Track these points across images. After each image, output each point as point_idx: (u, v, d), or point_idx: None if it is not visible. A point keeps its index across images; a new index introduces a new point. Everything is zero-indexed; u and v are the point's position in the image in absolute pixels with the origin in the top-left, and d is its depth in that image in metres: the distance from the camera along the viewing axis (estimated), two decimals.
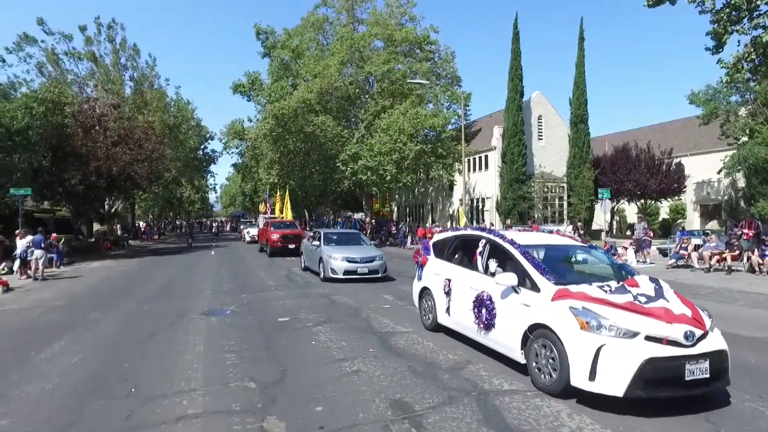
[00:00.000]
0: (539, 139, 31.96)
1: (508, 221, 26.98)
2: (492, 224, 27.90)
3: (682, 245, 16.62)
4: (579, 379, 4.56)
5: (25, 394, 5.13)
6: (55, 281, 15.30)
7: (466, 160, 29.96)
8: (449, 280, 6.94)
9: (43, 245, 15.84)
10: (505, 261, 6.10)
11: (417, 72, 32.81)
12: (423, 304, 7.88)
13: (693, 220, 33.58)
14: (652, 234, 19.76)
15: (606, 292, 5.03)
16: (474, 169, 34.49)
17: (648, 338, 4.48)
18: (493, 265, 6.22)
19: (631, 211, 34.42)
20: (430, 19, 67.99)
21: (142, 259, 23.14)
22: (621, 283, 5.26)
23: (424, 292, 7.77)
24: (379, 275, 13.53)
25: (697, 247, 15.95)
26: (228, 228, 66.44)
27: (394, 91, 32.14)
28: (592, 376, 4.47)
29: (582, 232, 25.68)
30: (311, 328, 8.01)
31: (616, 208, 32.92)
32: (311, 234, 17.49)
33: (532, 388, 5.14)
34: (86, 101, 28.11)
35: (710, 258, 14.79)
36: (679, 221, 33.32)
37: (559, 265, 6.17)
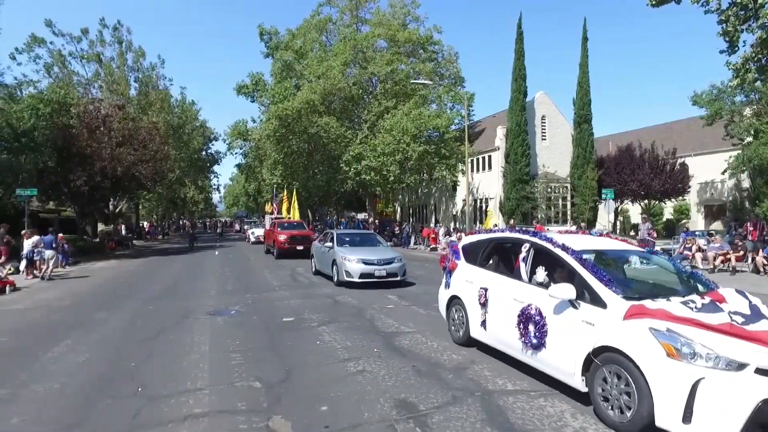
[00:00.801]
0: (543, 139, 31.91)
1: (512, 221, 26.94)
2: (495, 224, 27.88)
3: (686, 246, 16.60)
4: (667, 419, 3.77)
5: (34, 393, 5.19)
6: (61, 281, 15.40)
7: (469, 160, 29.95)
8: (485, 290, 6.14)
9: (54, 245, 16.20)
10: (555, 269, 5.47)
11: (420, 72, 32.82)
12: (452, 314, 7.04)
13: (697, 220, 33.48)
14: (656, 234, 19.73)
15: (692, 309, 4.16)
16: (477, 170, 34.47)
17: (759, 371, 3.63)
18: (540, 273, 5.50)
19: (634, 211, 34.34)
20: (433, 20, 67.83)
21: (147, 259, 23.24)
22: (707, 298, 4.42)
23: (454, 301, 6.98)
24: (398, 278, 12.64)
25: (700, 249, 15.93)
26: (234, 229, 65.37)
27: (398, 92, 32.17)
28: (687, 417, 3.68)
29: (587, 233, 25.63)
30: (316, 328, 8.05)
31: (619, 208, 32.85)
32: (323, 235, 16.53)
33: (535, 387, 5.15)
34: (91, 102, 28.30)
35: (714, 259, 14.76)
36: (683, 222, 33.22)
37: (618, 275, 5.46)
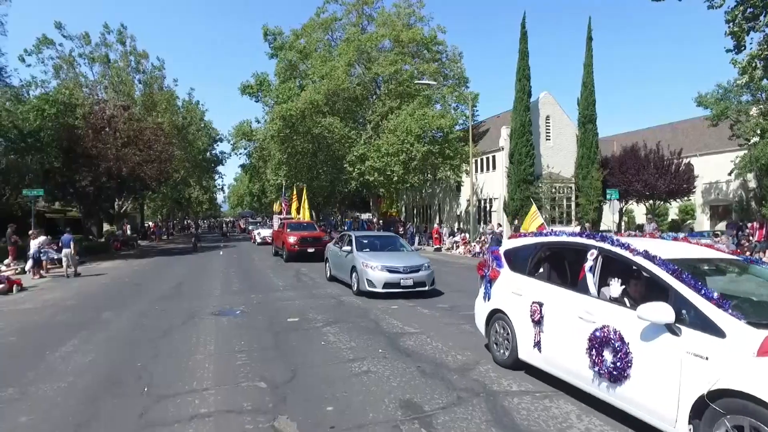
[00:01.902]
0: (547, 139, 31.84)
1: (516, 222, 26.90)
2: (500, 224, 27.84)
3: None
4: None
5: (42, 391, 5.24)
6: (67, 281, 15.50)
7: (473, 160, 29.91)
8: (539, 305, 5.23)
9: (72, 244, 16.53)
10: (630, 281, 4.67)
11: (424, 73, 32.81)
12: (493, 331, 6.13)
13: (702, 221, 33.30)
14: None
15: None
16: (481, 170, 34.42)
17: None
18: (615, 287, 4.64)
19: (639, 211, 34.19)
20: (437, 20, 67.80)
21: (152, 260, 23.35)
22: None
23: (496, 316, 6.08)
24: (426, 288, 11.21)
25: None
26: (238, 229, 64.54)
27: (402, 92, 32.17)
28: None
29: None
30: (320, 329, 8.07)
31: (624, 208, 32.72)
32: (339, 237, 15.09)
33: (540, 388, 5.15)
34: (97, 103, 28.47)
35: None
36: (689, 222, 33.05)
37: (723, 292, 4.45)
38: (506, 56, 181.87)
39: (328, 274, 14.26)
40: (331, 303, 10.55)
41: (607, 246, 4.80)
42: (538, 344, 5.26)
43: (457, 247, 25.35)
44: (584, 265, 4.92)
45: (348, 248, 12.63)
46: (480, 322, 6.53)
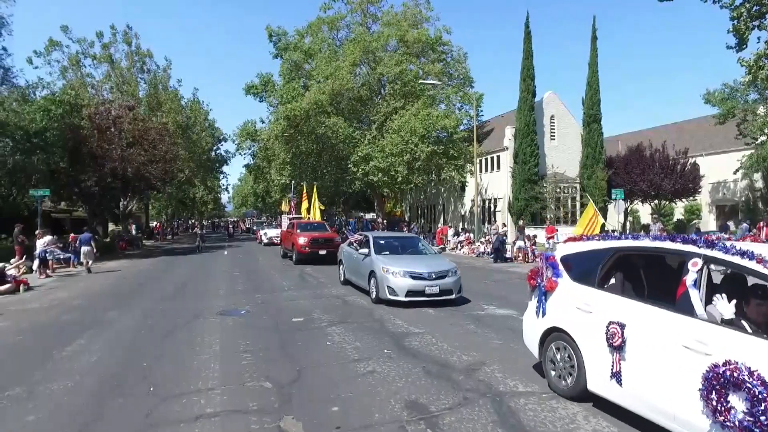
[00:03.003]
0: (552, 139, 31.74)
1: (521, 222, 26.85)
2: (504, 225, 27.78)
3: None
4: None
5: (49, 391, 5.26)
6: (73, 280, 15.57)
7: (477, 160, 29.85)
8: (621, 326, 4.20)
9: (92, 242, 17.97)
10: (759, 303, 3.72)
11: (429, 73, 32.77)
12: (551, 354, 5.11)
13: (708, 221, 33.12)
14: (666, 235, 19.55)
15: None
16: (486, 170, 34.36)
17: None
18: (725, 306, 3.67)
19: (644, 211, 34.03)
20: (441, 19, 67.66)
21: (157, 259, 23.42)
22: None
23: (553, 335, 5.09)
24: (453, 296, 10.14)
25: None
26: (241, 228, 64.11)
27: (406, 92, 32.15)
28: None
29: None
30: (325, 329, 8.07)
31: (629, 208, 32.58)
32: (355, 239, 13.76)
33: (547, 389, 5.12)
34: (102, 103, 28.62)
35: None
36: (694, 222, 32.88)
37: None
38: (510, 56, 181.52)
39: (342, 278, 13.26)
40: (336, 303, 10.55)
41: (719, 255, 3.79)
42: (617, 375, 4.24)
43: (462, 247, 25.30)
44: (684, 279, 3.95)
45: (365, 251, 11.55)
46: (531, 342, 5.49)
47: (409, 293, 9.84)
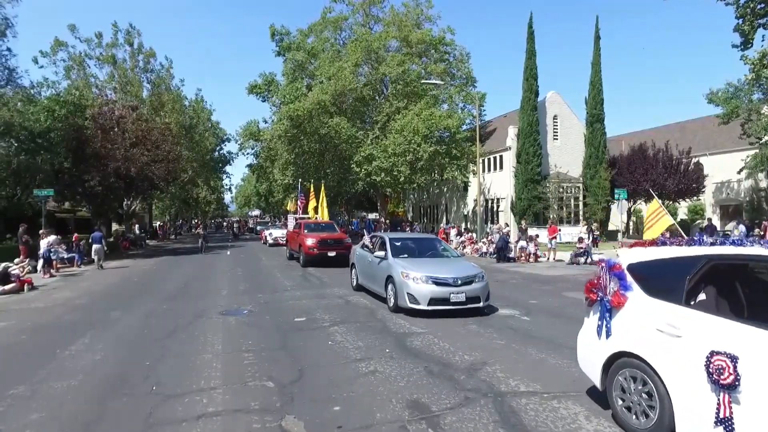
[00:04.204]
0: (554, 139, 31.68)
1: (523, 222, 26.85)
2: (507, 224, 27.75)
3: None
4: None
5: (52, 389, 5.29)
6: (77, 280, 15.64)
7: (480, 160, 29.82)
8: (732, 358, 3.27)
9: (102, 241, 19.30)
10: None
11: (432, 73, 32.78)
12: (619, 385, 4.18)
13: (713, 221, 32.98)
14: (669, 235, 19.45)
15: None
16: (488, 170, 34.32)
17: None
18: None
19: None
20: (444, 19, 67.59)
21: (160, 259, 23.50)
22: None
23: (623, 362, 4.14)
24: (481, 305, 9.11)
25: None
26: (244, 228, 63.75)
27: (409, 92, 32.16)
28: None
29: (597, 233, 25.40)
30: (327, 329, 8.08)
31: (632, 208, 32.50)
32: (369, 240, 12.43)
33: (548, 389, 5.12)
34: (106, 104, 28.72)
35: None
36: (698, 222, 32.77)
37: None
38: (513, 56, 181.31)
39: (355, 283, 12.21)
40: (339, 303, 10.56)
41: None
42: (726, 423, 3.29)
43: (464, 247, 25.27)
44: None
45: (381, 253, 10.56)
46: (590, 366, 4.59)
47: (432, 301, 8.82)
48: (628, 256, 4.55)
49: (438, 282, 8.91)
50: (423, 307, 8.81)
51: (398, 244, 10.91)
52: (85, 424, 4.40)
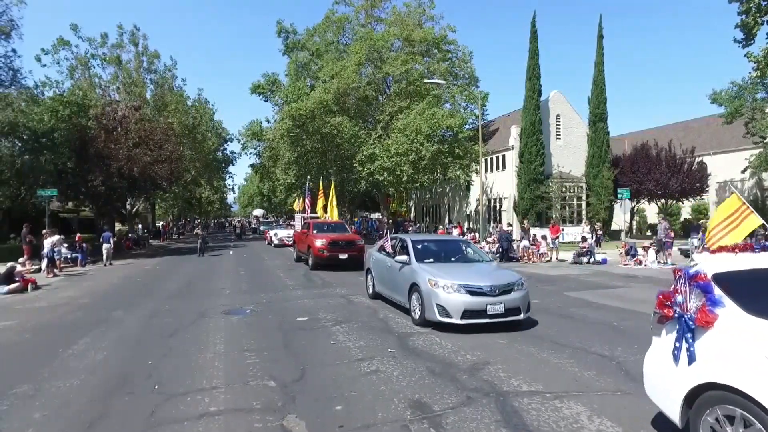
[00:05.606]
0: (557, 138, 31.62)
1: (525, 222, 26.81)
2: (510, 224, 27.70)
3: (706, 245, 16.27)
4: None
5: (55, 388, 5.31)
6: (80, 279, 15.70)
7: (483, 160, 29.79)
8: None
9: (111, 240, 20.66)
10: None
11: (435, 72, 32.77)
12: (713, 425, 3.29)
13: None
14: (673, 234, 19.41)
15: None
16: (491, 169, 34.28)
17: None
18: None
19: (651, 211, 33.84)
20: (447, 19, 67.60)
21: (162, 259, 23.56)
22: None
23: (717, 395, 3.27)
24: (521, 317, 7.89)
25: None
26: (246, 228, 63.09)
27: (412, 92, 32.16)
28: None
29: (600, 233, 25.33)
30: (330, 328, 8.08)
31: (636, 208, 32.41)
32: (389, 242, 10.72)
33: (551, 389, 5.10)
34: (109, 104, 28.81)
35: None
36: (701, 221, 32.64)
37: None
38: (516, 55, 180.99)
39: (371, 291, 10.99)
40: (341, 302, 10.56)
41: None
42: None
43: None
44: None
45: (403, 258, 9.30)
46: (666, 397, 3.71)
47: (467, 314, 7.58)
48: (712, 264, 3.67)
49: (472, 291, 7.67)
50: (456, 320, 7.57)
51: (420, 246, 9.70)
52: (87, 423, 4.41)
